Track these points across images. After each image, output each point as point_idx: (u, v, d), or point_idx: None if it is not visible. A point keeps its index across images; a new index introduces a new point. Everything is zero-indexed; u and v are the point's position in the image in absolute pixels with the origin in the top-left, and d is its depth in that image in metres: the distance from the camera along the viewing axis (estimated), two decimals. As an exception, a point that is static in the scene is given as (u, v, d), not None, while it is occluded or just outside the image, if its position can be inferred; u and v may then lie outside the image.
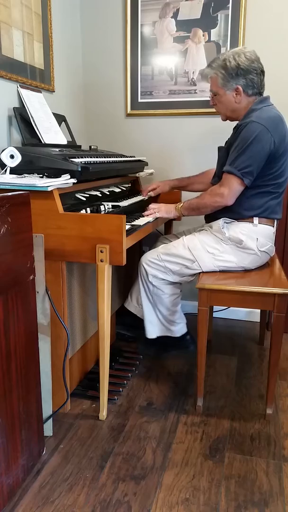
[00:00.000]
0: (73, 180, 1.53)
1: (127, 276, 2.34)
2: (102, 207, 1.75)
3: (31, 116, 1.84)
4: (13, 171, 1.53)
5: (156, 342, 2.16)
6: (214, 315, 2.56)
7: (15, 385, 1.23)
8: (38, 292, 1.46)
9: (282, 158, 1.68)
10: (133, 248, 2.32)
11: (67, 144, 2.02)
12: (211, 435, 1.58)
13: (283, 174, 1.72)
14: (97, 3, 2.48)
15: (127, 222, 1.68)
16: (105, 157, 1.91)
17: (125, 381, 1.90)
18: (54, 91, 2.24)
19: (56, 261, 1.53)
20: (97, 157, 1.82)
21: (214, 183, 1.85)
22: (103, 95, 2.60)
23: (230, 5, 2.27)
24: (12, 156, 1.49)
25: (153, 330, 1.98)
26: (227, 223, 1.79)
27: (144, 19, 2.42)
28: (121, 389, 1.84)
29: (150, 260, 1.87)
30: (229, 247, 1.77)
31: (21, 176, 1.55)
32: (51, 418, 1.57)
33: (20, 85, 1.87)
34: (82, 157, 1.68)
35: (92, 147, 2.33)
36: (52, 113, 2.03)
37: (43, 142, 1.84)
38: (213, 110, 1.92)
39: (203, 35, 2.35)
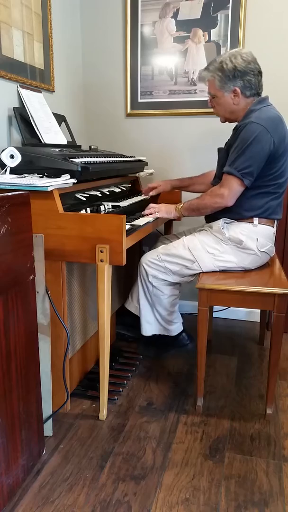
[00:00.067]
0: (73, 180, 1.53)
1: (127, 276, 2.34)
2: (102, 207, 1.75)
3: (31, 116, 1.84)
4: (13, 171, 1.53)
5: (156, 342, 2.17)
6: (214, 315, 2.56)
7: (15, 385, 1.23)
8: (38, 292, 1.46)
9: (282, 159, 1.68)
10: (133, 248, 2.32)
11: (67, 144, 2.02)
12: (211, 435, 1.58)
13: (283, 175, 1.72)
14: (97, 3, 2.48)
15: (127, 222, 1.68)
16: (105, 157, 1.91)
17: (125, 381, 1.90)
18: (54, 91, 2.25)
19: (56, 261, 1.53)
20: (97, 157, 1.82)
21: (214, 184, 1.85)
22: (103, 95, 2.60)
23: (230, 5, 2.27)
24: (12, 156, 1.49)
25: (149, 329, 1.99)
26: (227, 223, 1.79)
27: (144, 19, 2.42)
28: (121, 389, 1.84)
29: (150, 260, 1.87)
30: (229, 248, 1.77)
31: (21, 176, 1.55)
32: (51, 418, 1.57)
33: (20, 85, 1.87)
34: (82, 157, 1.68)
35: (92, 147, 2.33)
36: (52, 113, 2.03)
37: (43, 142, 1.84)
38: (213, 110, 1.92)
39: (203, 35, 2.35)
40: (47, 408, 1.54)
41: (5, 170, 1.51)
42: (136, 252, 2.45)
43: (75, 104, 2.54)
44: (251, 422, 1.66)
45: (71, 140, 2.25)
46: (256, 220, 1.75)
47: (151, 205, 1.93)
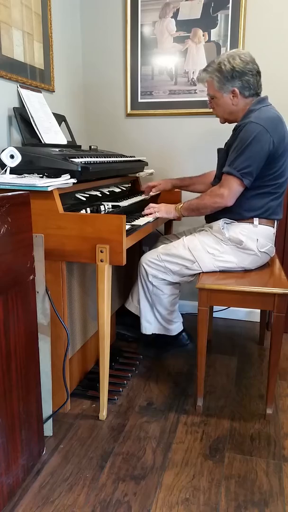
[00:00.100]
0: (73, 180, 1.53)
1: (127, 276, 2.34)
2: (102, 207, 1.75)
3: (31, 116, 1.84)
4: (13, 171, 1.53)
5: (155, 342, 2.17)
6: (214, 315, 2.56)
7: (15, 385, 1.23)
8: (38, 292, 1.46)
9: (282, 159, 1.68)
10: (133, 248, 2.32)
11: (67, 144, 2.02)
12: (211, 435, 1.58)
13: (283, 175, 1.72)
14: (97, 3, 2.48)
15: (127, 222, 1.68)
16: (105, 157, 1.91)
17: (125, 381, 1.90)
18: (54, 91, 2.25)
19: (56, 261, 1.53)
20: (97, 157, 1.82)
21: (214, 184, 1.85)
22: (103, 95, 2.60)
23: (230, 5, 2.27)
24: (12, 156, 1.49)
25: (149, 328, 2.00)
26: (227, 223, 1.79)
27: (144, 19, 2.42)
28: (121, 389, 1.84)
29: (150, 260, 1.87)
30: (229, 248, 1.77)
31: (21, 176, 1.55)
32: (51, 418, 1.57)
33: (20, 85, 1.87)
34: (82, 157, 1.68)
35: (92, 147, 2.33)
36: (52, 113, 2.03)
37: (43, 142, 1.84)
38: (212, 111, 1.92)
39: (203, 35, 2.35)
40: (47, 408, 1.54)
41: (5, 170, 1.51)
42: (136, 252, 2.45)
43: (75, 104, 2.54)
44: (251, 422, 1.66)
45: (71, 140, 2.25)
46: (256, 220, 1.75)
47: (151, 205, 1.93)
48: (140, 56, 2.47)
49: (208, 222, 1.91)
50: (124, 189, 2.25)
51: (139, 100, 2.53)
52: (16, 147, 1.52)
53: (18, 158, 1.49)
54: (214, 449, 1.51)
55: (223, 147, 1.85)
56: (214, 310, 2.52)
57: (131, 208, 1.98)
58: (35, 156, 1.55)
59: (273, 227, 1.81)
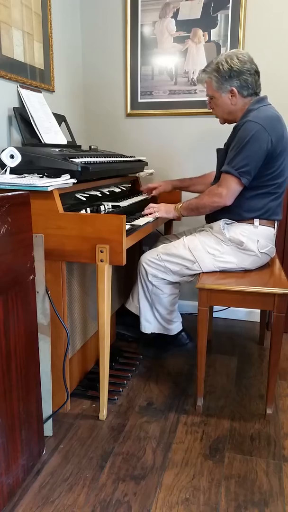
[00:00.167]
0: (73, 180, 1.53)
1: (127, 276, 2.34)
2: (102, 207, 1.75)
3: (31, 116, 1.84)
4: (13, 171, 1.53)
5: (155, 342, 2.17)
6: (214, 315, 2.56)
7: (15, 385, 1.23)
8: (38, 292, 1.46)
9: (281, 158, 1.67)
10: (133, 248, 2.32)
11: (67, 144, 2.02)
12: (211, 435, 1.58)
13: (282, 174, 1.72)
14: (97, 3, 2.48)
15: (127, 222, 1.68)
16: (105, 157, 1.91)
17: (125, 381, 1.90)
18: (54, 91, 2.25)
19: (56, 261, 1.53)
20: (97, 157, 1.82)
21: (214, 184, 1.85)
22: (103, 95, 2.60)
23: (230, 5, 2.27)
24: (12, 156, 1.49)
25: (149, 327, 2.00)
26: (227, 224, 1.79)
27: (144, 19, 2.42)
28: (121, 389, 1.84)
29: (150, 259, 1.87)
30: (229, 248, 1.77)
31: (21, 176, 1.55)
32: (51, 418, 1.57)
33: (20, 85, 1.87)
34: (82, 157, 1.68)
35: (92, 147, 2.33)
36: (52, 113, 2.03)
37: (43, 142, 1.84)
38: (212, 111, 1.92)
39: (203, 35, 2.35)
40: (47, 408, 1.54)
41: (5, 170, 1.51)
42: (136, 252, 2.45)
43: (75, 104, 2.54)
44: (251, 422, 1.66)
45: (71, 140, 2.25)
46: (257, 221, 1.75)
47: (151, 204, 1.94)
48: (140, 56, 2.47)
49: (208, 223, 1.91)
50: (124, 189, 2.25)
51: (139, 100, 2.53)
52: (16, 147, 1.52)
53: (18, 158, 1.49)
54: (214, 449, 1.51)
55: (222, 147, 1.86)
56: (214, 310, 2.52)
57: (131, 208, 1.98)
58: (35, 156, 1.55)
59: (274, 227, 1.81)
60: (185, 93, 2.45)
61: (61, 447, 1.51)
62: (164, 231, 2.52)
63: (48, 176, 1.53)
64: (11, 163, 1.49)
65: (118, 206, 1.85)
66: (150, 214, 1.90)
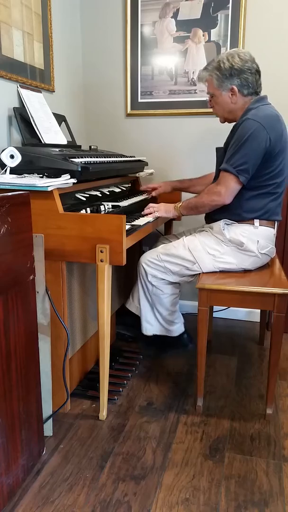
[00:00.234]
0: (73, 180, 1.53)
1: (127, 276, 2.34)
2: (102, 207, 1.75)
3: (31, 116, 1.84)
4: (13, 171, 1.53)
5: (155, 342, 2.17)
6: (214, 315, 2.56)
7: (15, 385, 1.23)
8: (38, 292, 1.46)
9: (279, 157, 1.67)
10: (133, 248, 2.32)
11: (67, 144, 2.02)
12: (211, 435, 1.58)
13: (281, 174, 1.71)
14: (97, 3, 2.48)
15: (127, 222, 1.68)
16: (105, 157, 1.91)
17: (125, 381, 1.90)
18: (54, 91, 2.25)
19: (56, 261, 1.53)
20: (97, 157, 1.82)
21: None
22: (103, 95, 2.60)
23: (230, 5, 2.27)
24: (12, 156, 1.49)
25: (150, 329, 1.99)
26: (227, 224, 1.79)
27: (144, 19, 2.42)
28: (121, 389, 1.84)
29: (150, 260, 1.87)
30: (229, 249, 1.77)
31: (21, 176, 1.55)
32: (51, 418, 1.57)
33: (20, 85, 1.87)
34: (82, 157, 1.68)
35: (92, 147, 2.33)
36: (52, 113, 2.03)
37: (43, 142, 1.84)
38: (212, 110, 1.92)
39: (203, 35, 2.35)
40: (47, 408, 1.54)
41: (5, 170, 1.51)
42: (136, 252, 2.45)
43: (75, 104, 2.54)
44: (251, 422, 1.66)
45: (71, 140, 2.25)
46: (257, 222, 1.75)
47: (151, 204, 1.94)
48: (140, 56, 2.47)
49: (208, 223, 1.91)
50: (124, 189, 2.25)
51: (139, 100, 2.53)
52: (16, 147, 1.52)
53: (18, 158, 1.49)
54: (214, 449, 1.51)
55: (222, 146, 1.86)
56: (214, 310, 2.52)
57: (131, 208, 1.98)
58: (35, 156, 1.55)
59: (274, 228, 1.80)
60: (185, 93, 2.45)
61: (61, 447, 1.51)
62: (164, 231, 2.52)
63: (48, 176, 1.53)
64: (11, 163, 1.49)
65: (118, 206, 1.85)
66: (150, 214, 1.90)
